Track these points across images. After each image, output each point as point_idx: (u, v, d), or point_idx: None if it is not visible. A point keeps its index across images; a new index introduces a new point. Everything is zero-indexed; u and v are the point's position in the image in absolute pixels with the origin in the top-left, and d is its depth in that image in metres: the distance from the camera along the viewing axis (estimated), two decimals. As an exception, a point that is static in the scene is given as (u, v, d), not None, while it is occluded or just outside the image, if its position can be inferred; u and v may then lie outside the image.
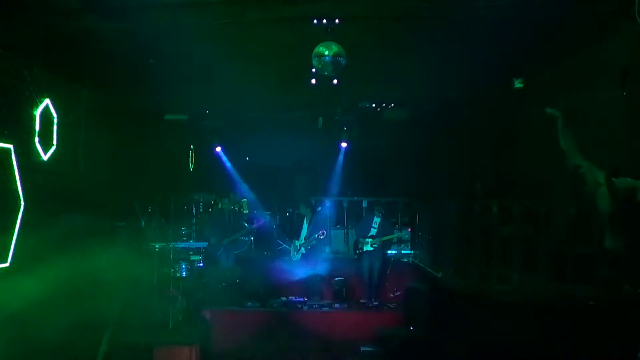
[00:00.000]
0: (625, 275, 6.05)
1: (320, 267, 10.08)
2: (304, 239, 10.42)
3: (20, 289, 5.78)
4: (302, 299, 9.58)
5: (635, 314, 5.77)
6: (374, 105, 12.14)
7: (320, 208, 11.53)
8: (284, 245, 11.43)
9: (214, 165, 13.51)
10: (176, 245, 8.93)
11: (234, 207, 11.88)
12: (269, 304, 9.29)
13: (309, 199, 11.47)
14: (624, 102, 6.38)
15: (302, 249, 10.35)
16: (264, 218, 11.67)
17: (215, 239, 10.26)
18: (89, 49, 7.30)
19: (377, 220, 10.01)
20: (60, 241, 6.53)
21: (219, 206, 11.20)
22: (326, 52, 6.86)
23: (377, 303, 9.58)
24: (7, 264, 6.01)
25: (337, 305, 9.48)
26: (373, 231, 9.95)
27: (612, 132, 6.92)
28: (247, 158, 14.40)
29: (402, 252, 10.88)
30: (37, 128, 6.75)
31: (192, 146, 13.49)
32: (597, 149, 6.38)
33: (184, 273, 8.74)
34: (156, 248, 8.78)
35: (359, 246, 9.95)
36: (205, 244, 10.41)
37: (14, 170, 6.21)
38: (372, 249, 9.82)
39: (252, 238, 11.78)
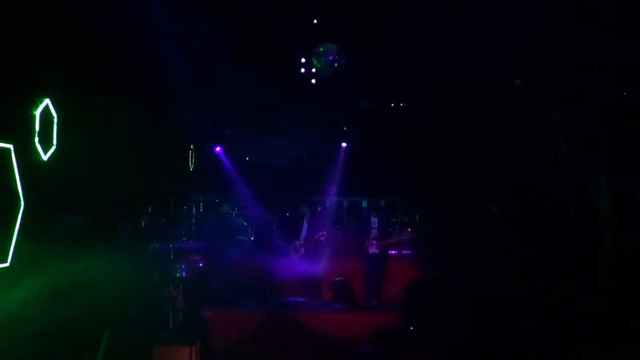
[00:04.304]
0: (625, 275, 6.05)
1: (320, 267, 10.06)
2: (304, 239, 10.41)
3: (20, 288, 5.78)
4: (302, 299, 9.57)
5: (635, 314, 5.77)
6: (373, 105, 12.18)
7: (320, 208, 11.51)
8: (284, 245, 11.42)
9: (214, 165, 13.52)
10: (176, 245, 8.91)
11: (235, 208, 11.91)
12: (268, 304, 9.29)
13: (309, 199, 11.47)
14: (624, 103, 6.39)
15: (302, 249, 10.34)
16: (262, 214, 11.66)
17: (216, 240, 10.27)
18: (89, 49, 7.31)
19: (374, 220, 10.01)
20: (59, 241, 6.52)
21: (221, 209, 11.23)
22: (326, 53, 6.87)
23: (377, 303, 9.57)
24: (7, 264, 6.01)
25: (337, 306, 9.46)
26: (374, 232, 9.94)
27: (612, 132, 6.93)
28: (247, 158, 14.41)
29: (402, 252, 10.86)
30: (37, 128, 6.75)
31: (192, 146, 13.49)
32: (597, 149, 6.38)
33: (184, 273, 8.74)
34: (156, 248, 8.77)
35: (363, 249, 9.90)
36: (205, 244, 10.41)
37: (14, 170, 6.21)
38: (377, 251, 9.80)
39: (252, 238, 11.79)
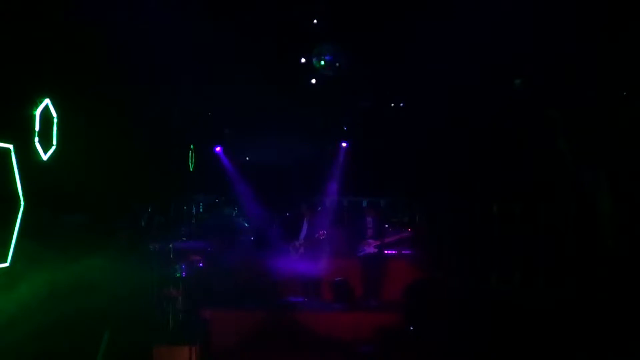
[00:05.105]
0: (625, 275, 6.04)
1: (320, 267, 10.07)
2: (304, 239, 10.41)
3: (20, 288, 5.78)
4: (301, 299, 9.58)
5: (636, 314, 5.77)
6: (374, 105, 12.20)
7: (320, 208, 11.52)
8: (284, 245, 11.43)
9: (214, 165, 13.53)
10: (176, 245, 8.92)
11: (235, 208, 11.91)
12: (268, 304, 9.29)
13: (309, 199, 11.47)
14: (624, 102, 6.39)
15: (302, 249, 10.34)
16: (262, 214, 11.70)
17: (217, 240, 10.28)
18: (89, 49, 7.31)
19: (370, 220, 10.01)
20: (59, 241, 6.52)
21: (222, 210, 11.25)
22: (326, 53, 6.87)
23: (377, 303, 9.57)
24: (7, 264, 6.01)
25: (337, 306, 9.47)
26: (370, 232, 9.93)
27: (612, 132, 6.93)
28: (247, 158, 14.42)
29: (402, 252, 10.87)
30: (37, 128, 6.74)
31: (192, 146, 13.50)
32: (597, 149, 6.38)
33: (184, 273, 8.75)
34: (156, 248, 8.77)
35: (361, 249, 9.90)
36: (205, 244, 10.42)
37: (14, 170, 6.21)
38: (375, 250, 9.80)
39: (252, 238, 11.79)
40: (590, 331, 6.07)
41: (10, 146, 6.19)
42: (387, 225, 10.77)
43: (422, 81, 9.86)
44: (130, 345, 7.24)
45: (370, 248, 9.78)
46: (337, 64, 7.05)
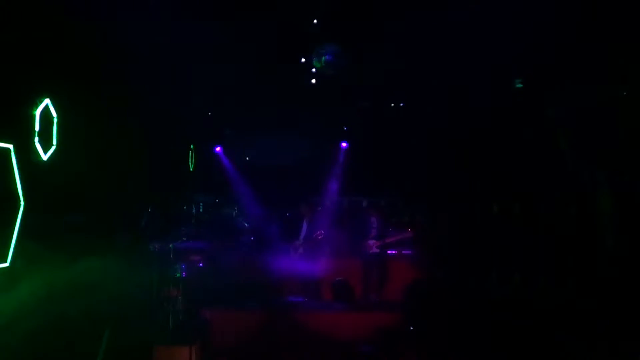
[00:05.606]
0: (625, 275, 6.04)
1: (320, 267, 10.07)
2: (303, 239, 10.41)
3: (20, 288, 5.78)
4: (301, 299, 9.57)
5: (635, 314, 5.77)
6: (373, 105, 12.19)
7: (320, 208, 11.52)
8: (284, 245, 11.43)
9: (214, 165, 13.53)
10: (176, 245, 8.93)
11: (235, 208, 11.90)
12: (268, 304, 9.29)
13: (308, 199, 11.47)
14: (624, 102, 6.39)
15: (302, 249, 10.34)
16: (260, 216, 11.71)
17: (217, 240, 10.29)
18: (89, 49, 7.32)
19: (373, 220, 10.01)
20: (59, 241, 6.52)
21: (222, 210, 11.26)
22: (326, 52, 6.88)
23: (377, 299, 9.58)
24: (6, 264, 6.01)
25: (337, 306, 9.48)
26: (373, 232, 9.93)
27: (612, 132, 6.93)
28: (247, 158, 14.43)
29: (402, 252, 10.87)
30: (37, 128, 6.74)
31: (192, 146, 13.51)
32: (597, 149, 6.38)
33: (184, 273, 8.75)
34: (156, 248, 8.77)
35: (363, 250, 9.90)
36: (205, 244, 10.42)
37: (14, 170, 6.21)
38: (378, 250, 9.81)
39: (252, 238, 11.80)
40: (590, 331, 6.07)
41: (10, 146, 6.19)
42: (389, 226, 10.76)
43: (422, 81, 9.85)
44: (130, 345, 7.24)
45: (372, 249, 9.78)
46: (337, 64, 7.06)
